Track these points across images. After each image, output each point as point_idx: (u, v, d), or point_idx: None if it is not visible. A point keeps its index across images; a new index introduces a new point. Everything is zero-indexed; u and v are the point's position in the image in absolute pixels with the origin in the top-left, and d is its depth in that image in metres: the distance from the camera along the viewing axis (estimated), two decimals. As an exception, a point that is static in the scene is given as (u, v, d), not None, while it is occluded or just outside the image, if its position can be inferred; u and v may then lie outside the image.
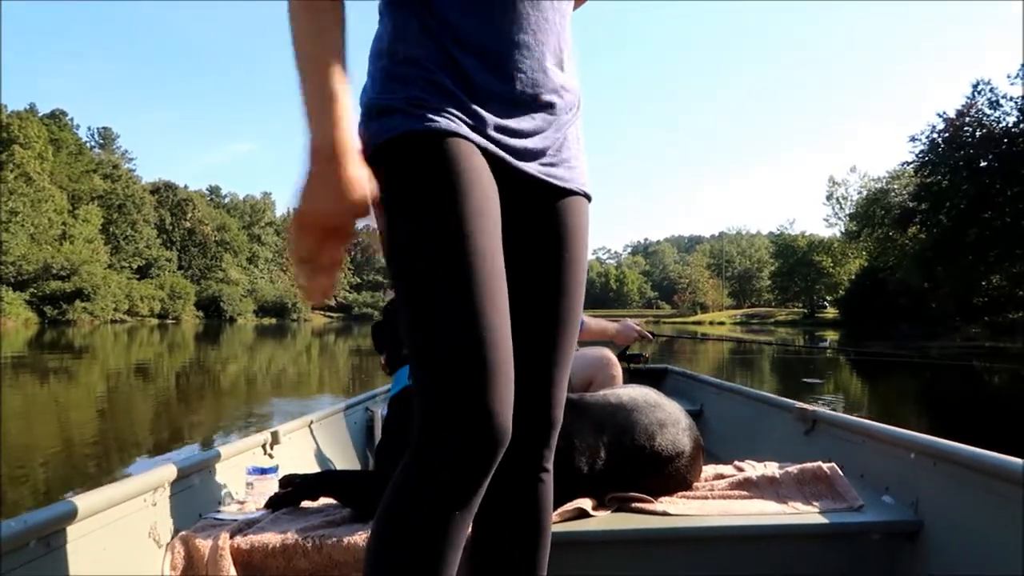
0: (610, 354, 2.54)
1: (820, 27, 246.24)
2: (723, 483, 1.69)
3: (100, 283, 46.33)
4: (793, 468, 1.69)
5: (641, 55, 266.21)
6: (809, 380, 8.96)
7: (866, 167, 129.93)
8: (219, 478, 1.66)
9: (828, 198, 60.68)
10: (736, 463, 1.87)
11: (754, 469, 1.77)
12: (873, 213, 46.71)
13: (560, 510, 1.46)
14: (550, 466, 1.02)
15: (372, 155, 0.89)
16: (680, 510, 1.52)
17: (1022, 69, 32.58)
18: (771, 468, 1.74)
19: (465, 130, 0.86)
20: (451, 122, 0.86)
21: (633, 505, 1.53)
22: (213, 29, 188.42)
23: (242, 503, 1.63)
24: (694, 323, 68.27)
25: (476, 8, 0.89)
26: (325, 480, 1.62)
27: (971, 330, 29.72)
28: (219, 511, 1.55)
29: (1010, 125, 33.13)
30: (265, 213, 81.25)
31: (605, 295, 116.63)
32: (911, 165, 38.07)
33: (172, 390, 8.43)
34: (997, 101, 33.65)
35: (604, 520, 1.47)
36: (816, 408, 2.12)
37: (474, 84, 0.89)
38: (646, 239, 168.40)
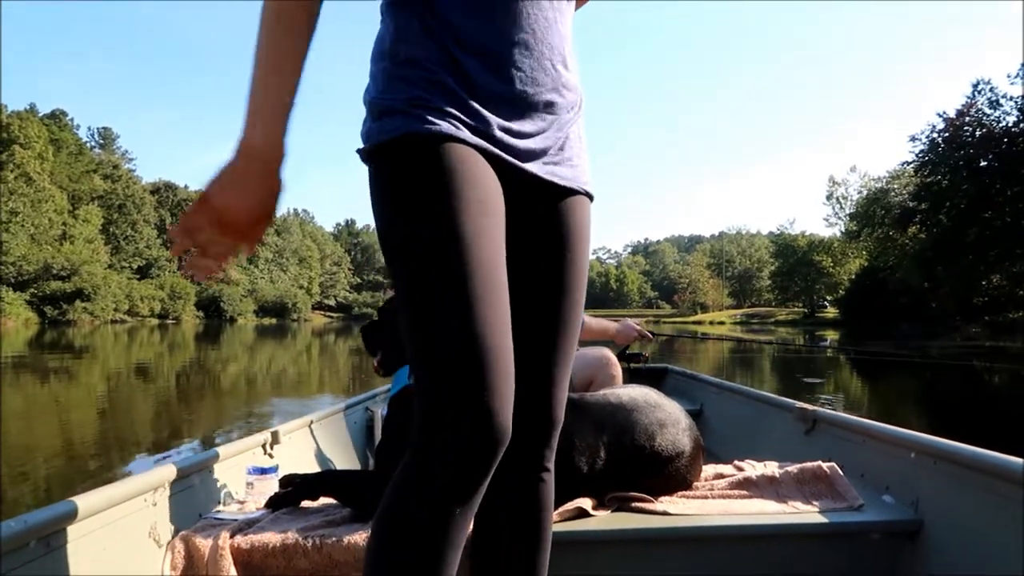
0: (610, 354, 2.54)
1: (820, 27, 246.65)
2: (723, 483, 1.69)
3: (100, 283, 46.34)
4: (793, 468, 1.69)
5: (641, 55, 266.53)
6: (809, 380, 8.96)
7: (866, 167, 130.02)
8: (219, 478, 1.66)
9: (828, 198, 60.71)
10: (736, 463, 1.87)
11: (754, 469, 1.77)
12: (873, 213, 46.71)
13: (560, 510, 1.46)
14: (551, 466, 1.02)
15: (373, 155, 0.89)
16: (680, 510, 1.52)
17: (1022, 69, 32.63)
18: (771, 468, 1.74)
19: (465, 133, 0.87)
20: (451, 124, 0.86)
21: (633, 505, 1.53)
22: (213, 29, 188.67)
23: (242, 503, 1.63)
24: (694, 323, 68.29)
25: (477, 8, 0.89)
26: (325, 480, 1.62)
27: (971, 330, 29.73)
28: (219, 511, 1.55)
29: (1010, 125, 33.14)
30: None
31: (605, 295, 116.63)
32: (911, 165, 38.08)
33: (172, 390, 8.42)
34: (997, 101, 33.68)
35: (604, 520, 1.47)
36: (816, 408, 2.12)
37: (475, 84, 0.89)
38: (646, 239, 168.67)
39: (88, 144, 65.88)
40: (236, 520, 1.44)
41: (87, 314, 44.63)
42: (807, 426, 2.11)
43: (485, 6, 0.89)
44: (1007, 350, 16.72)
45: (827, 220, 71.69)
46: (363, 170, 0.92)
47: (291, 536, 1.33)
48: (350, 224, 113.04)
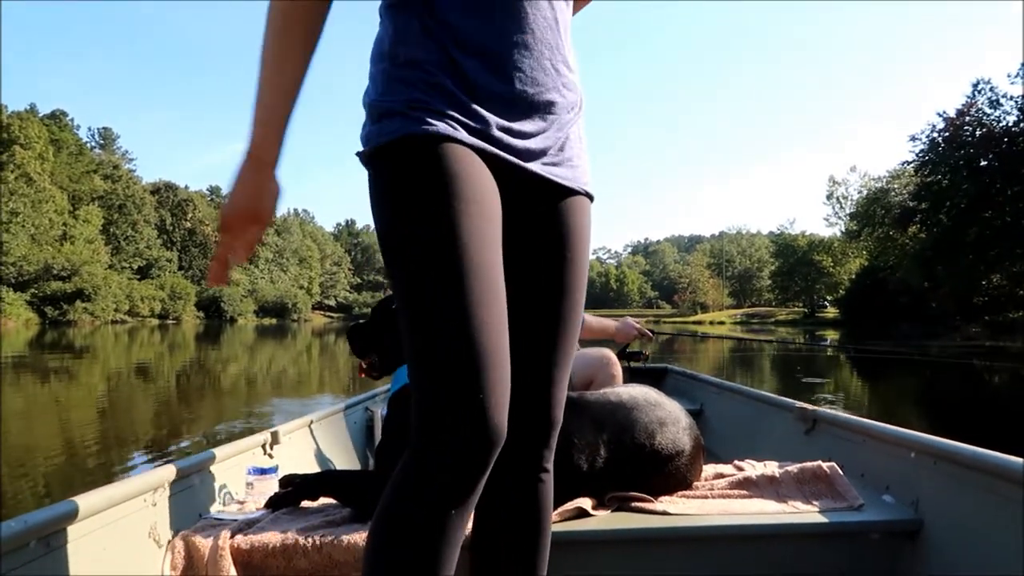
0: (610, 353, 2.55)
1: (820, 27, 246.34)
2: (723, 482, 1.69)
3: (101, 283, 46.33)
4: (793, 467, 1.69)
5: (641, 55, 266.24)
6: (809, 379, 8.96)
7: (866, 167, 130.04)
8: (219, 478, 1.66)
9: (828, 198, 60.74)
10: (736, 462, 1.87)
11: (754, 468, 1.77)
12: (873, 212, 46.72)
13: (560, 509, 1.45)
14: (550, 466, 1.02)
15: (372, 157, 0.89)
16: (680, 509, 1.52)
17: (1022, 69, 32.63)
18: (771, 467, 1.74)
19: (464, 134, 0.87)
20: (450, 126, 0.86)
21: (633, 504, 1.53)
22: (213, 29, 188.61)
23: (242, 503, 1.63)
24: (694, 323, 68.27)
25: (477, 9, 0.89)
26: (325, 480, 1.62)
27: (971, 329, 29.71)
28: (219, 511, 1.55)
29: (1010, 124, 33.13)
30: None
31: (605, 295, 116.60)
32: (911, 164, 38.07)
33: (172, 390, 8.43)
34: (997, 100, 33.68)
35: (604, 520, 1.47)
36: (816, 408, 2.12)
37: (475, 85, 0.89)
38: (646, 239, 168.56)
39: (88, 144, 65.97)
40: (236, 520, 1.44)
41: (87, 314, 44.62)
42: (807, 426, 2.11)
43: (485, 6, 0.89)
44: (1007, 349, 16.72)
45: (827, 220, 71.70)
46: (364, 170, 0.92)
47: (291, 536, 1.33)
48: (350, 224, 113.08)
